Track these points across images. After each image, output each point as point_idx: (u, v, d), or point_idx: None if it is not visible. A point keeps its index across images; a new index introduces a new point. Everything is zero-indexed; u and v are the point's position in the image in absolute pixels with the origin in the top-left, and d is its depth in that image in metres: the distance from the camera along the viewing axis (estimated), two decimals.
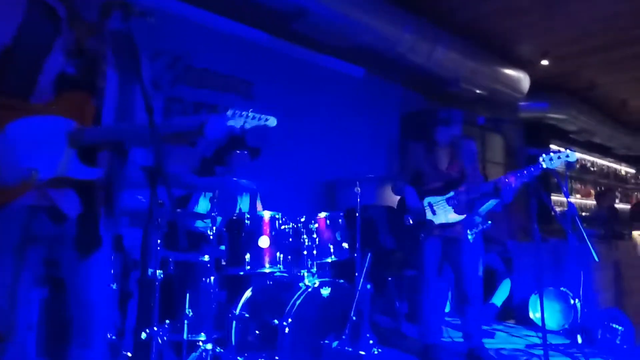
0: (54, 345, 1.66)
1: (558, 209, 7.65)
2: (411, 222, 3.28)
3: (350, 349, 2.71)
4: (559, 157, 2.97)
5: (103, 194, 1.57)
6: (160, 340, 2.47)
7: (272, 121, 1.71)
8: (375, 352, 2.81)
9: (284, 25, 4.18)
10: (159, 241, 2.46)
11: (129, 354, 2.62)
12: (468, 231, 3.56)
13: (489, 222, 3.65)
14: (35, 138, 1.41)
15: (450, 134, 3.36)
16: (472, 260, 3.36)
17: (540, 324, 2.90)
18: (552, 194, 7.60)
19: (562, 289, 4.10)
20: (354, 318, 2.78)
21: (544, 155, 2.99)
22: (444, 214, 3.26)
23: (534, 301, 4.21)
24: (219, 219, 2.84)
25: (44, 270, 1.54)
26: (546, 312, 2.93)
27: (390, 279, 4.18)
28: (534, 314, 4.15)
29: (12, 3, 1.43)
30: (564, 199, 7.60)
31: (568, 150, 2.99)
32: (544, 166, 3.00)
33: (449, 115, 3.39)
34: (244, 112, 1.65)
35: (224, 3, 4.07)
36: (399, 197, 3.47)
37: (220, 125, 1.62)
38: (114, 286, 2.62)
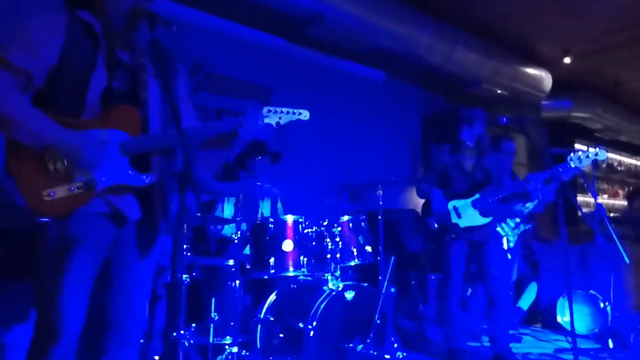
0: (93, 342, 1.71)
1: (585, 210, 7.49)
2: (436, 225, 3.25)
3: (374, 353, 2.70)
4: (587, 156, 2.88)
5: (159, 197, 1.64)
6: (186, 344, 2.51)
7: (306, 114, 1.76)
8: (400, 356, 2.80)
9: (300, 30, 4.22)
10: (185, 246, 2.50)
11: (157, 358, 2.67)
12: (509, 232, 3.52)
13: (529, 224, 3.57)
14: (90, 151, 1.48)
15: (474, 133, 3.33)
16: (498, 263, 3.31)
17: (568, 327, 2.84)
18: (578, 194, 7.43)
19: (591, 292, 4.01)
20: (378, 321, 2.77)
21: (572, 154, 2.92)
22: (469, 217, 3.22)
23: (562, 304, 4.13)
24: (243, 223, 2.87)
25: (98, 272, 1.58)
26: (575, 315, 2.86)
27: (413, 282, 4.16)
28: (562, 318, 4.06)
29: (54, 25, 1.49)
30: (590, 200, 7.44)
31: (597, 149, 2.91)
32: (573, 165, 2.93)
33: (472, 114, 3.36)
34: (277, 109, 1.71)
35: (242, 11, 4.13)
36: (423, 201, 3.45)
37: (255, 124, 1.68)
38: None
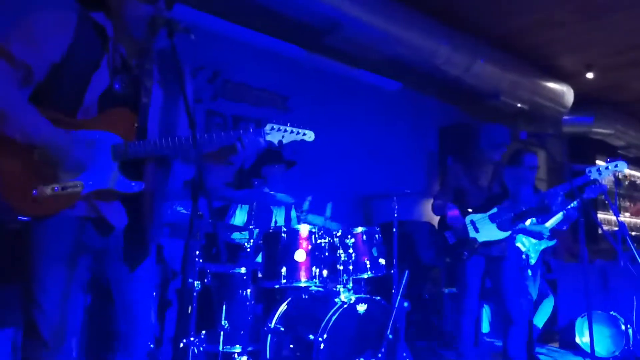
0: (96, 353, 1.70)
1: (606, 228, 7.30)
2: (454, 239, 3.19)
3: None
4: (607, 168, 2.85)
5: (149, 206, 1.60)
6: (196, 351, 2.49)
7: (310, 135, 1.70)
8: None
9: (318, 39, 4.22)
10: (197, 252, 2.49)
11: None
12: (531, 249, 3.44)
13: (553, 241, 3.48)
14: (82, 151, 1.46)
15: (494, 148, 3.27)
16: (515, 279, 3.23)
17: (587, 349, 2.75)
18: (599, 212, 7.26)
19: (612, 313, 3.88)
20: (390, 336, 2.72)
21: (591, 167, 2.86)
22: (487, 231, 3.16)
23: (580, 325, 4.01)
24: (255, 231, 2.86)
25: (89, 278, 1.57)
26: (595, 336, 2.77)
27: (427, 296, 4.09)
28: (581, 339, 3.94)
29: (61, 22, 1.49)
30: (612, 218, 7.26)
31: (618, 161, 2.84)
32: (592, 177, 2.87)
33: (491, 130, 3.30)
34: (281, 127, 1.64)
35: (260, 19, 4.15)
36: (439, 215, 3.39)
37: (254, 141, 1.62)
38: (154, 295, 2.67)
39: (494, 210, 3.18)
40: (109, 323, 1.60)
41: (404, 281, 2.86)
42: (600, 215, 7.40)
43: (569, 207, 3.45)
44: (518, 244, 3.48)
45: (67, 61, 1.46)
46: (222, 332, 2.66)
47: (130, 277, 1.60)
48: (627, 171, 2.95)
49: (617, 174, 2.85)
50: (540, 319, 4.32)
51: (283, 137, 1.65)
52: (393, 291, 2.88)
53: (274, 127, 1.64)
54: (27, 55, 1.42)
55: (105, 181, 1.50)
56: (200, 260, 2.70)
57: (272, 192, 3.03)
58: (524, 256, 3.48)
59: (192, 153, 1.52)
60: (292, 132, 1.66)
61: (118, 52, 1.57)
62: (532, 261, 3.47)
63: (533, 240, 3.57)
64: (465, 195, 3.27)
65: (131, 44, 1.59)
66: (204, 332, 2.71)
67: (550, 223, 3.48)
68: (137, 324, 1.61)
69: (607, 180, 2.89)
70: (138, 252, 1.61)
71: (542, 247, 3.50)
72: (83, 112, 1.49)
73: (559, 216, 3.49)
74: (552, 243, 3.48)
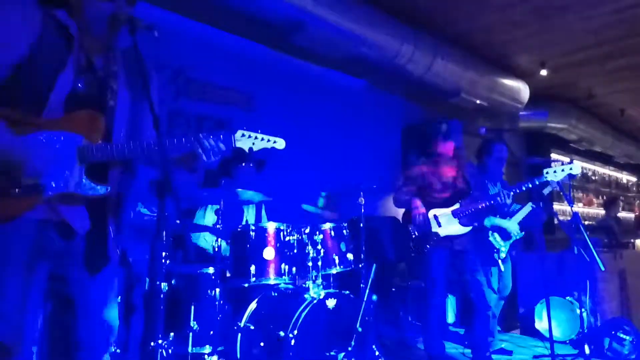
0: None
1: (561, 218, 7.64)
2: (417, 234, 3.27)
3: None
4: (562, 170, 3.00)
5: (114, 210, 1.58)
6: (165, 353, 2.46)
7: (281, 143, 1.70)
8: None
9: (283, 38, 4.22)
10: (164, 254, 2.46)
11: None
12: (502, 242, 3.56)
13: (522, 232, 3.62)
14: (45, 153, 1.42)
15: (452, 144, 3.37)
16: (477, 270, 3.34)
17: (546, 334, 2.89)
18: (555, 202, 7.59)
19: (567, 298, 4.08)
20: (360, 329, 2.76)
21: (547, 169, 3.02)
22: (449, 226, 3.25)
23: (539, 311, 4.19)
24: (224, 232, 2.84)
25: (49, 284, 1.52)
26: (553, 322, 2.91)
27: (394, 289, 4.17)
28: (540, 324, 4.12)
29: (24, 17, 1.44)
30: (566, 208, 7.61)
31: (572, 164, 3.01)
32: (548, 179, 3.02)
33: (449, 126, 3.40)
34: (252, 134, 1.63)
35: (224, 17, 4.12)
36: (403, 210, 3.46)
37: (218, 148, 1.59)
38: (119, 299, 2.61)
39: (457, 205, 3.28)
40: (70, 332, 1.55)
41: (371, 275, 2.91)
42: (556, 206, 7.75)
43: (529, 203, 3.60)
44: (491, 239, 3.60)
45: (32, 60, 1.42)
46: (191, 333, 2.64)
47: (90, 282, 1.56)
48: (580, 163, 3.10)
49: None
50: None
51: (253, 144, 1.64)
52: (362, 285, 2.93)
53: (244, 134, 1.62)
54: None
55: (69, 184, 1.46)
56: (167, 262, 2.66)
57: (239, 190, 3.02)
58: (495, 251, 3.60)
59: (157, 156, 1.49)
60: (262, 139, 1.66)
61: (83, 51, 1.53)
62: (502, 255, 3.60)
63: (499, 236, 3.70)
64: (430, 190, 3.35)
65: (94, 44, 1.55)
66: (172, 334, 2.68)
67: (516, 219, 3.62)
68: (99, 331, 1.58)
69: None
70: (99, 257, 1.57)
71: (512, 240, 3.64)
72: (48, 113, 1.44)
73: (525, 210, 3.64)
74: (521, 235, 3.63)
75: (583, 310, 3.82)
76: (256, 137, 1.64)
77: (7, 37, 1.39)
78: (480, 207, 3.25)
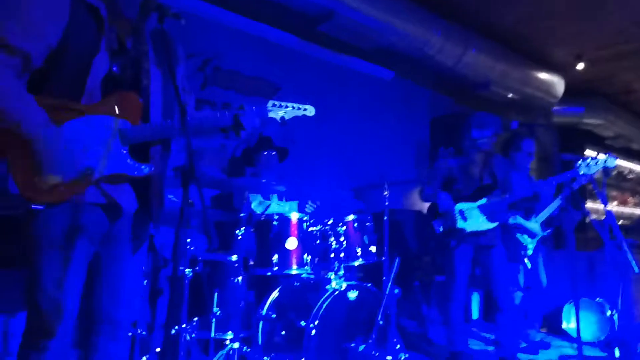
0: (83, 335, 1.70)
1: (593, 217, 7.39)
2: (442, 229, 3.22)
3: (376, 354, 2.68)
4: (596, 163, 2.89)
5: (157, 188, 1.61)
6: (188, 337, 2.50)
7: (311, 110, 1.73)
8: (402, 357, 2.77)
9: (311, 27, 4.20)
10: (188, 240, 2.49)
11: (158, 349, 2.66)
12: (529, 240, 3.49)
13: (548, 230, 3.54)
14: (88, 138, 1.44)
15: (484, 137, 3.28)
16: (503, 268, 3.27)
17: (574, 334, 2.81)
18: (587, 200, 7.35)
19: (598, 299, 3.96)
20: (381, 322, 2.75)
21: (581, 161, 2.89)
22: (475, 221, 3.18)
23: (567, 311, 4.08)
24: (247, 219, 2.86)
25: (89, 260, 1.55)
26: (581, 322, 2.82)
27: (417, 283, 4.13)
28: (568, 324, 4.02)
29: (56, 4, 1.45)
30: (600, 207, 7.35)
31: (607, 155, 2.88)
32: (581, 172, 2.90)
33: (482, 119, 3.31)
34: (282, 103, 1.67)
35: (251, 5, 4.12)
36: (429, 203, 3.41)
37: (256, 116, 1.64)
38: (145, 282, 2.67)
39: (483, 200, 3.21)
40: (94, 304, 1.57)
41: (394, 268, 2.88)
42: (589, 205, 7.49)
43: (557, 199, 3.50)
44: (518, 236, 3.53)
45: (66, 45, 1.43)
46: (213, 319, 2.68)
47: (126, 260, 1.61)
48: (615, 162, 2.99)
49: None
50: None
51: (285, 113, 1.68)
52: (384, 278, 2.90)
53: (275, 103, 1.67)
54: (24, 41, 1.38)
55: (115, 166, 1.49)
56: (191, 248, 2.70)
57: (265, 181, 3.03)
58: (522, 248, 3.53)
59: (184, 139, 1.52)
60: (293, 107, 1.69)
61: (114, 33, 1.54)
62: (530, 252, 3.52)
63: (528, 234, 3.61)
64: (455, 184, 3.29)
65: (124, 25, 1.57)
66: (195, 319, 2.72)
67: (539, 219, 3.54)
68: (122, 307, 1.61)
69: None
70: (140, 236, 1.63)
71: (539, 237, 3.55)
72: (87, 97, 1.47)
73: (550, 208, 3.54)
74: (547, 232, 3.53)
75: (614, 312, 3.70)
76: (287, 106, 1.68)
77: (41, 23, 1.40)
78: (507, 202, 3.17)
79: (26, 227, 1.44)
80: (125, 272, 1.61)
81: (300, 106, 1.70)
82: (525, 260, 3.53)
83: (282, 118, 1.67)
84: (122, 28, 1.57)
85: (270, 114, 1.66)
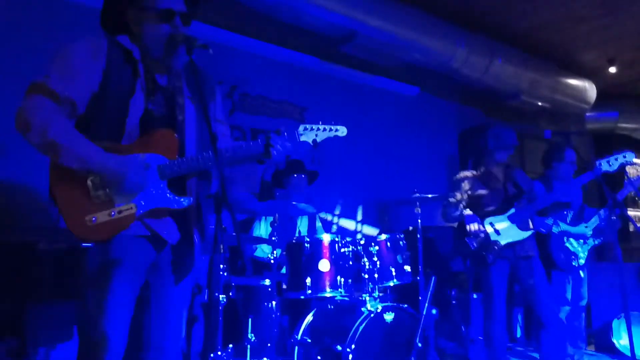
0: None
1: (638, 225, 7.06)
2: (475, 244, 3.13)
3: None
4: (616, 159, 2.90)
5: (195, 220, 1.65)
6: None
7: (343, 130, 1.72)
8: None
9: (334, 48, 4.23)
10: (222, 266, 2.50)
11: None
12: (580, 249, 3.38)
13: (600, 239, 3.42)
14: (131, 176, 1.50)
15: (502, 151, 3.22)
16: (545, 279, 3.13)
17: (626, 351, 2.65)
18: (629, 209, 7.03)
19: None
20: (420, 344, 2.67)
21: (601, 160, 2.93)
22: (508, 232, 3.09)
23: (617, 326, 3.87)
24: (277, 251, 2.85)
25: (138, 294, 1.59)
26: (634, 338, 2.66)
27: (455, 302, 4.00)
28: (619, 341, 3.80)
29: (94, 50, 1.53)
30: None
31: (626, 152, 2.91)
32: (603, 169, 2.91)
33: (497, 132, 3.26)
34: (314, 126, 1.67)
35: (275, 31, 4.20)
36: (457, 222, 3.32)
37: (287, 141, 1.65)
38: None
39: (512, 210, 3.12)
40: (142, 333, 1.60)
41: (430, 288, 2.81)
42: (632, 213, 7.17)
43: (602, 209, 3.40)
44: (567, 245, 3.41)
45: (104, 89, 1.51)
46: (249, 346, 2.66)
47: (173, 289, 1.64)
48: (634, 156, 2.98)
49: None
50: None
51: (317, 135, 1.68)
52: (420, 298, 2.83)
53: (307, 127, 1.67)
54: (69, 90, 1.47)
55: (156, 200, 1.54)
56: (225, 274, 2.71)
57: (294, 203, 3.03)
58: (572, 257, 3.39)
59: (216, 167, 1.55)
60: (324, 129, 1.69)
61: (148, 73, 1.60)
62: (582, 261, 3.38)
63: (580, 240, 3.48)
64: (481, 198, 3.21)
65: (156, 64, 1.62)
66: (230, 345, 2.71)
67: (591, 224, 3.42)
68: (170, 337, 1.63)
69: (634, 175, 2.85)
70: (186, 266, 1.66)
71: (590, 246, 3.41)
72: (127, 138, 1.53)
73: (597, 217, 3.43)
74: (598, 241, 3.40)
75: None
76: (318, 128, 1.68)
77: (83, 71, 1.49)
78: (536, 208, 3.09)
79: (77, 262, 1.51)
80: (172, 301, 1.64)
81: (332, 127, 1.70)
82: (580, 272, 3.40)
83: (314, 141, 1.67)
84: (155, 67, 1.63)
85: (302, 138, 1.66)
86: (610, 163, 2.92)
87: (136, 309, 1.54)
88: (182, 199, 1.58)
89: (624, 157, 2.90)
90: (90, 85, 1.50)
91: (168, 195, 1.56)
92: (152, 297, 1.62)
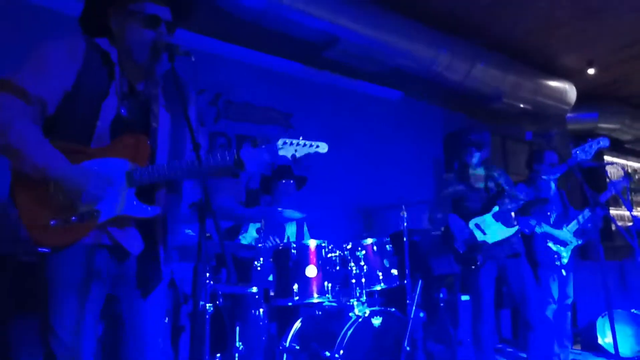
0: None
1: (619, 224, 7.18)
2: (464, 248, 3.15)
3: None
4: (591, 146, 2.95)
5: (163, 230, 1.61)
6: None
7: (323, 147, 1.68)
8: None
9: (317, 54, 4.25)
10: (207, 274, 2.47)
11: None
12: (562, 248, 3.42)
13: (582, 240, 3.46)
14: (96, 180, 1.45)
15: (482, 155, 3.29)
16: (532, 279, 3.17)
17: (611, 349, 2.69)
18: (611, 208, 7.16)
19: (633, 311, 3.80)
20: (408, 348, 2.67)
21: (577, 149, 2.98)
22: (494, 231, 3.13)
23: (601, 325, 3.92)
24: (265, 249, 2.84)
25: (102, 305, 1.55)
26: (618, 336, 2.70)
27: (442, 305, 4.02)
28: (603, 339, 3.86)
29: (70, 50, 1.50)
30: (625, 213, 7.15)
31: (601, 138, 2.98)
32: (579, 158, 2.97)
33: (480, 137, 3.31)
34: (294, 141, 1.63)
35: (258, 38, 4.19)
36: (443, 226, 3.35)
37: (259, 156, 1.60)
38: (167, 320, 2.65)
39: (496, 208, 3.16)
40: (120, 352, 1.58)
41: (418, 291, 2.82)
42: (614, 212, 7.29)
43: (586, 210, 3.44)
44: (549, 244, 3.45)
45: (77, 89, 1.47)
46: (237, 354, 2.63)
47: (142, 303, 1.59)
48: (637, 165, 2.99)
49: (626, 169, 2.87)
50: None
51: (296, 150, 1.64)
52: (408, 302, 2.84)
53: (286, 141, 1.63)
54: (41, 89, 1.43)
55: (121, 208, 1.50)
56: (211, 282, 2.68)
57: (280, 209, 3.02)
58: (555, 256, 3.43)
59: (198, 176, 1.52)
60: (304, 145, 1.65)
61: (124, 77, 1.58)
62: (565, 260, 3.42)
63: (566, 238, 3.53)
64: (464, 200, 3.25)
65: (135, 69, 1.60)
66: (218, 355, 2.69)
67: (572, 226, 3.46)
68: (147, 350, 1.59)
69: (616, 175, 2.90)
70: (152, 277, 1.61)
71: (573, 245, 3.45)
72: (96, 140, 1.49)
73: (580, 218, 3.48)
74: (580, 242, 3.45)
75: None
76: (298, 144, 1.63)
77: (57, 71, 1.46)
78: (519, 202, 3.14)
79: (40, 272, 1.46)
80: (144, 316, 1.60)
81: (313, 143, 1.65)
82: (563, 271, 3.43)
83: (294, 156, 1.63)
84: (133, 72, 1.60)
85: (281, 152, 1.61)
86: (586, 150, 2.96)
87: (112, 325, 1.51)
88: (148, 208, 1.54)
89: (599, 142, 2.95)
90: (63, 85, 1.46)
91: (134, 203, 1.52)
92: (124, 312, 1.58)
